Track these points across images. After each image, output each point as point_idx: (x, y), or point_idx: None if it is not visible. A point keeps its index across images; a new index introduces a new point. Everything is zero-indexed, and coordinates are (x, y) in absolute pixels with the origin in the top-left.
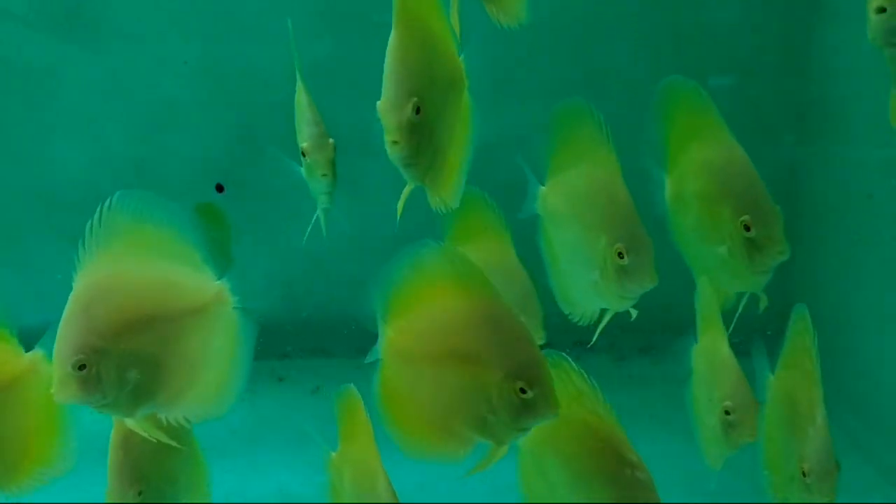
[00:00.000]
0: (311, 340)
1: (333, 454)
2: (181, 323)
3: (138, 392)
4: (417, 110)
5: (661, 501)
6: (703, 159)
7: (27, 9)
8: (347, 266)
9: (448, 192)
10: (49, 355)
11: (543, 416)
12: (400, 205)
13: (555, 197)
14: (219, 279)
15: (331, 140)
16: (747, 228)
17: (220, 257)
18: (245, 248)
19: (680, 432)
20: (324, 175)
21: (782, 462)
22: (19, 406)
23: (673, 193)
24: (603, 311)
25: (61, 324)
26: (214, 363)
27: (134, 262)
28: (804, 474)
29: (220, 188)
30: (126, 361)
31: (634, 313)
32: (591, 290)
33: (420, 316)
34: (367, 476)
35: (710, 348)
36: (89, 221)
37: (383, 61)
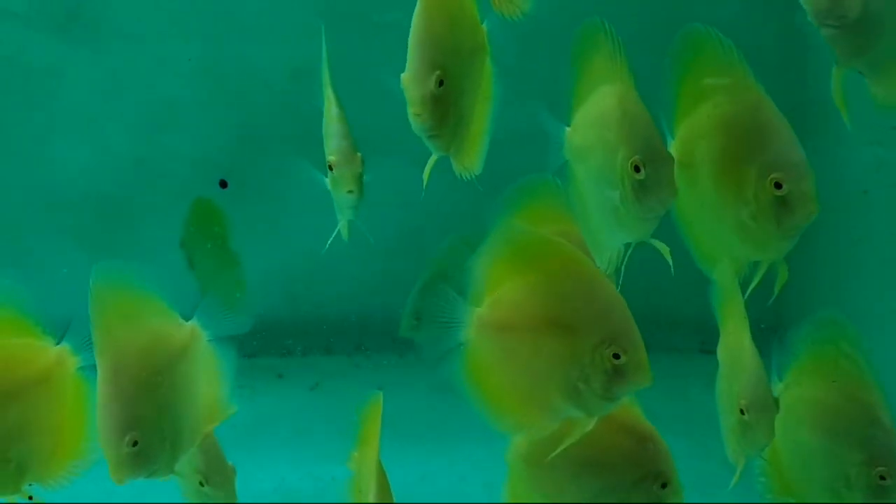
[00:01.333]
0: (310, 338)
1: (354, 454)
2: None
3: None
4: (441, 83)
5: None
6: (719, 114)
7: (28, 8)
8: (347, 264)
9: (472, 159)
10: (75, 349)
11: (635, 383)
12: (426, 173)
13: (577, 132)
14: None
15: (359, 154)
16: (778, 186)
17: (221, 252)
18: (245, 247)
19: (680, 430)
20: (350, 191)
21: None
22: (50, 400)
23: (680, 160)
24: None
25: None
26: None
27: None
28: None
29: (223, 184)
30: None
31: (665, 251)
32: (613, 222)
33: (511, 289)
34: (365, 483)
35: (734, 342)
36: None
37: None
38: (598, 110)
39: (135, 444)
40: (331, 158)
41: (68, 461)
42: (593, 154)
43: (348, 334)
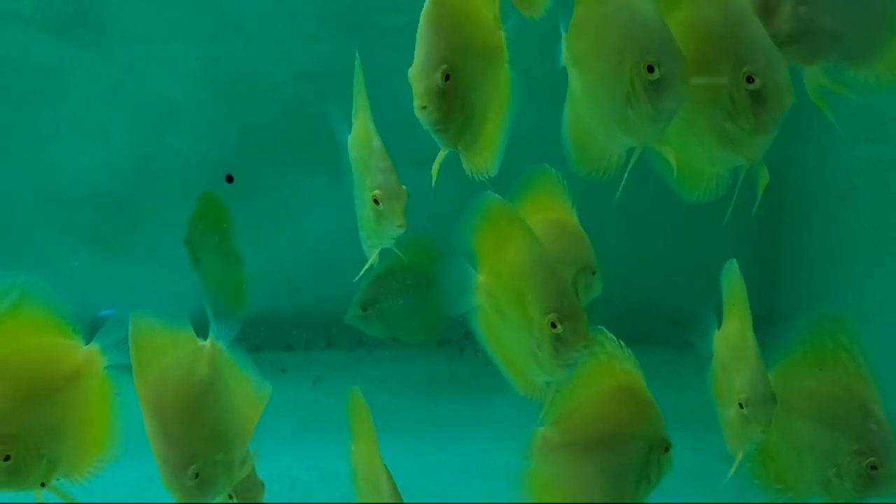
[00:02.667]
0: (312, 332)
1: (353, 448)
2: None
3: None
4: (447, 77)
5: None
6: (686, 20)
7: (34, 10)
8: (348, 261)
9: (486, 161)
10: (104, 349)
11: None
12: (434, 169)
13: (577, 36)
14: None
15: (404, 187)
16: (750, 80)
17: (223, 248)
18: (249, 244)
19: (674, 422)
20: (399, 226)
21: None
22: (79, 398)
23: None
24: (630, 154)
25: None
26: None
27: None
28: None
29: (230, 179)
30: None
31: (670, 155)
32: (618, 127)
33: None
34: (370, 477)
35: (734, 334)
36: None
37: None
38: (601, 11)
39: (196, 475)
40: (376, 193)
41: (95, 457)
42: (597, 57)
43: (349, 329)
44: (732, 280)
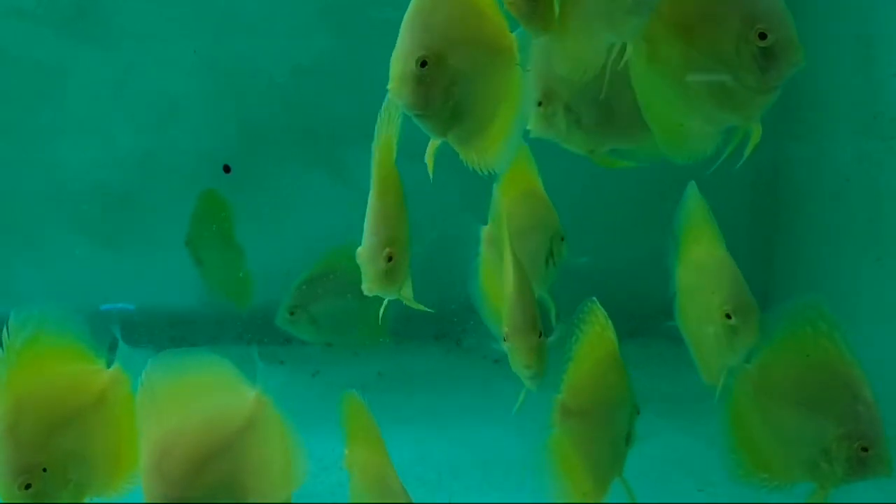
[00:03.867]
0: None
1: (347, 452)
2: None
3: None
4: (423, 63)
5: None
6: None
7: (36, 6)
8: None
9: (490, 157)
10: (125, 369)
11: None
12: (428, 158)
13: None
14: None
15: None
16: (763, 36)
17: (224, 242)
18: (247, 238)
19: (669, 413)
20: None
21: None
22: (106, 421)
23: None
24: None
25: None
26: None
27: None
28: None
29: (227, 169)
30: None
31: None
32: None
33: None
34: (377, 479)
35: (702, 256)
36: None
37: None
38: None
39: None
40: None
41: (125, 476)
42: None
43: None
44: (694, 204)
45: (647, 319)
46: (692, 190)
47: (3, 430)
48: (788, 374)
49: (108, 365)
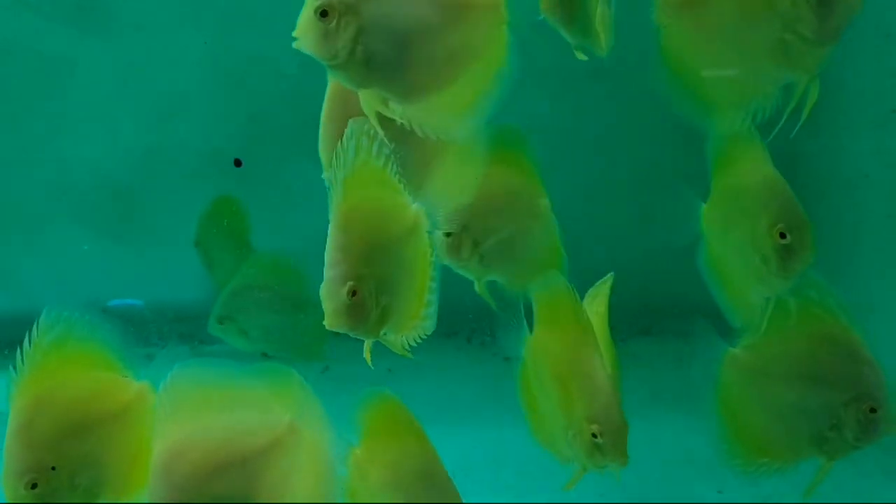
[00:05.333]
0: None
1: (356, 449)
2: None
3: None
4: (324, 13)
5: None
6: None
7: (42, 1)
8: None
9: (445, 121)
10: (154, 386)
11: None
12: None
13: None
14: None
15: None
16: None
17: (240, 248)
18: (256, 233)
19: (680, 410)
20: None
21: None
22: (125, 433)
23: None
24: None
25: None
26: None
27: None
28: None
29: (238, 163)
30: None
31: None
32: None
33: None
34: (424, 473)
35: (743, 177)
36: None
37: None
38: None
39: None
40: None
41: (134, 491)
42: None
43: None
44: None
45: (660, 317)
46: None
47: (17, 427)
48: (784, 350)
49: (137, 377)
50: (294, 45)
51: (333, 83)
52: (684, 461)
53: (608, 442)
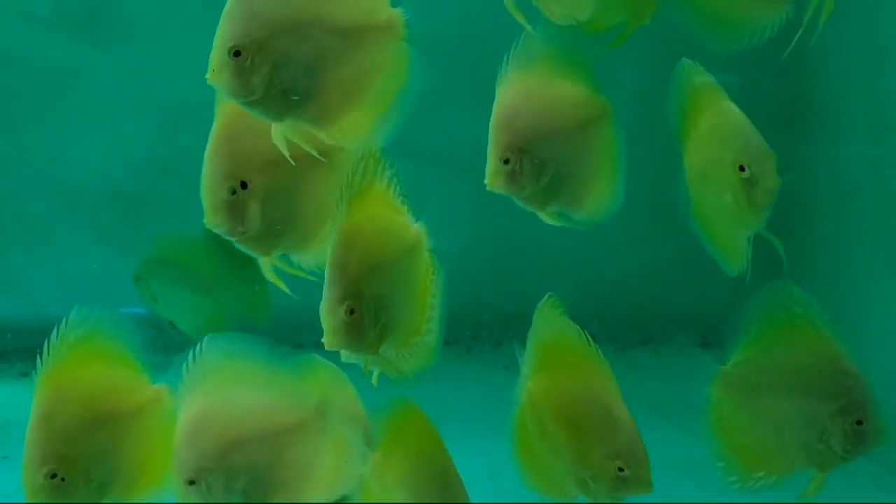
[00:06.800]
0: (320, 332)
1: (376, 456)
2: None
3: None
4: (237, 53)
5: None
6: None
7: (50, 11)
8: None
9: (356, 134)
10: (173, 389)
11: None
12: (275, 141)
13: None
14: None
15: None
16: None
17: (245, 267)
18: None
19: (678, 421)
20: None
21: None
22: (139, 432)
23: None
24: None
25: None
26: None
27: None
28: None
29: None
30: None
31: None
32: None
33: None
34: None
35: (711, 122)
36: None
37: None
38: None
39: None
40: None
41: (150, 490)
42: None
43: None
44: (693, 80)
45: (658, 328)
46: (685, 63)
47: (40, 418)
48: (772, 364)
49: (155, 380)
50: (209, 82)
51: (221, 121)
52: (683, 472)
53: (634, 475)
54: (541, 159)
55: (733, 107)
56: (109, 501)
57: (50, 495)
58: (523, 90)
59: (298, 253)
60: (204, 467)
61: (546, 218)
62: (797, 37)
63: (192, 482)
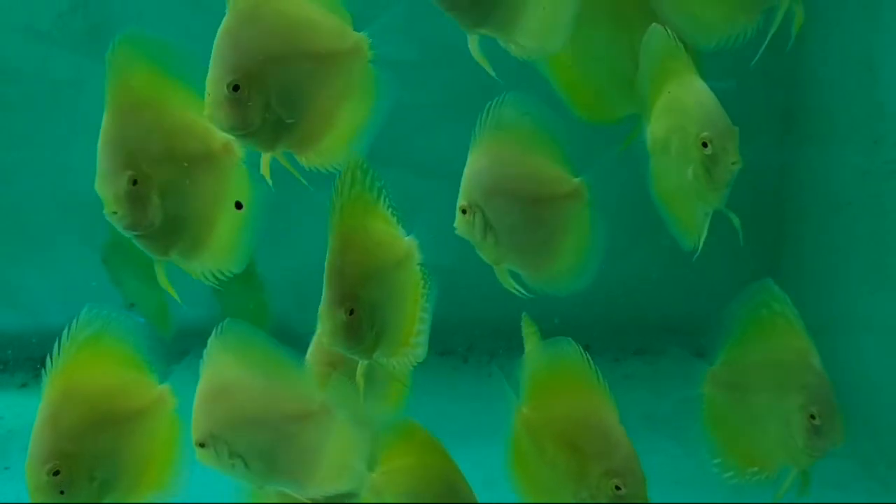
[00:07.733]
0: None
1: (374, 475)
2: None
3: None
4: (235, 87)
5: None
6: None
7: (51, 26)
8: None
9: (333, 156)
10: (177, 391)
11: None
12: (263, 170)
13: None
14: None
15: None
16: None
17: (247, 276)
18: (258, 254)
19: (672, 431)
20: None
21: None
22: (143, 433)
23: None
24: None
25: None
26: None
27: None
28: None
29: (238, 206)
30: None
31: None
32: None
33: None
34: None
35: (676, 94)
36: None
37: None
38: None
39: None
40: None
41: (152, 492)
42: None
43: None
44: (659, 44)
45: (653, 337)
46: (655, 28)
47: (47, 415)
48: (753, 362)
49: (160, 382)
50: (206, 120)
51: (108, 125)
52: (678, 482)
53: (630, 493)
54: (492, 220)
55: (699, 81)
56: (110, 502)
57: (52, 492)
58: (495, 154)
59: (189, 258)
60: (213, 434)
61: (499, 274)
62: (763, 48)
63: (201, 444)
